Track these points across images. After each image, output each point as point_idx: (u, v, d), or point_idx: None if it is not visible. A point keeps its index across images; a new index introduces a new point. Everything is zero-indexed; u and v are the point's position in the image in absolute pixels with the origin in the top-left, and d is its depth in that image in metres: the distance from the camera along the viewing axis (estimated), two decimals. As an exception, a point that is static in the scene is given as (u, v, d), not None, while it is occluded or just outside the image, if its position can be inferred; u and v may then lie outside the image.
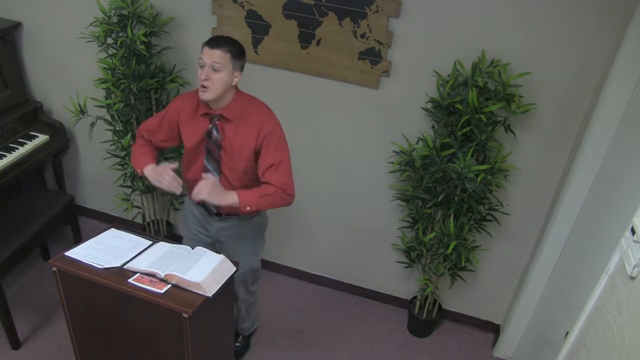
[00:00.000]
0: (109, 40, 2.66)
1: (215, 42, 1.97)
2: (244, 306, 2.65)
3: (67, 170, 3.42)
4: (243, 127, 2.07)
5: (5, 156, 2.85)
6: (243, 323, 2.74)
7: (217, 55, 1.94)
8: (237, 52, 1.99)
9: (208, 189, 1.98)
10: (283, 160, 2.09)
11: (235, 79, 2.02)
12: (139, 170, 2.16)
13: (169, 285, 1.86)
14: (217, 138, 2.09)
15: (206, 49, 1.96)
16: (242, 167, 2.12)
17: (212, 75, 1.95)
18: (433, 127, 2.56)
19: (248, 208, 2.05)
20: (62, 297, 2.01)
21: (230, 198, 2.03)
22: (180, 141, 2.21)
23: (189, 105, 2.13)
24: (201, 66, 1.97)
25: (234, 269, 2.00)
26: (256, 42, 2.65)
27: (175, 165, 2.08)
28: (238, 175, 2.15)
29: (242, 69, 2.04)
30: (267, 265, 3.24)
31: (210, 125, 2.08)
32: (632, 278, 1.43)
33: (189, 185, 2.26)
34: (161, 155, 2.60)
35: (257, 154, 2.10)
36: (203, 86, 1.97)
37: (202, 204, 2.25)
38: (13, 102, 3.05)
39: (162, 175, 2.05)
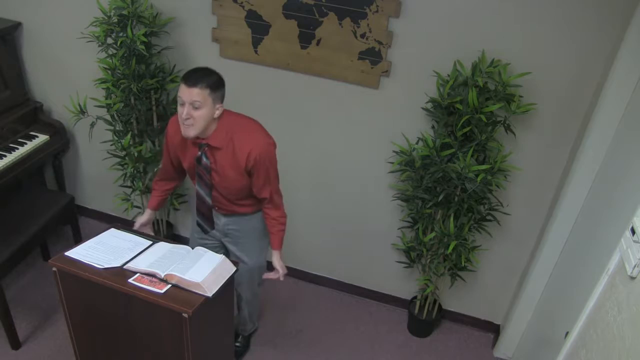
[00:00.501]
0: (109, 40, 2.66)
1: (191, 79, 1.89)
2: (247, 307, 2.64)
3: (67, 170, 3.42)
4: (232, 152, 2.05)
5: (5, 156, 2.85)
6: (245, 325, 2.75)
7: (196, 94, 1.88)
8: (216, 85, 1.93)
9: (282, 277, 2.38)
10: (275, 178, 2.17)
11: (217, 112, 1.98)
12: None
13: (169, 285, 1.86)
14: (207, 164, 2.09)
15: (184, 87, 1.89)
16: (235, 187, 2.14)
17: (193, 113, 1.91)
18: (433, 127, 2.56)
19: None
20: (62, 297, 2.01)
21: (279, 257, 2.38)
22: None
23: (177, 132, 2.09)
24: (181, 104, 1.92)
25: (234, 269, 2.00)
26: (256, 42, 2.65)
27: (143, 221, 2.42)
28: (232, 193, 2.17)
29: (222, 99, 1.99)
30: (267, 265, 3.23)
31: (200, 153, 2.08)
32: (632, 278, 1.43)
33: None
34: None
35: (249, 173, 2.10)
36: (185, 124, 1.94)
37: (199, 223, 2.34)
38: (13, 102, 3.05)
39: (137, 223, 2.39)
